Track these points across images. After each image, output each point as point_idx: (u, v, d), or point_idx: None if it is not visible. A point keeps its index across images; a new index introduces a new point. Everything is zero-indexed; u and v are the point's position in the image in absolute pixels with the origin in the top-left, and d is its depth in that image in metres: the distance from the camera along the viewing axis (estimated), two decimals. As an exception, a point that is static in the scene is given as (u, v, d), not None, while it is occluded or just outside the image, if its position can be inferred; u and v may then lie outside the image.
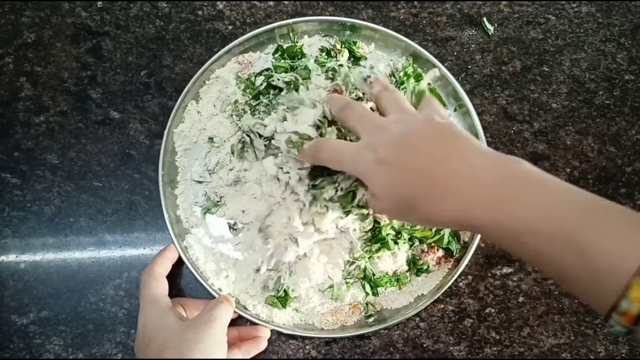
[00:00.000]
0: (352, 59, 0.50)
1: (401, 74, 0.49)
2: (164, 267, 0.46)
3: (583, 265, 0.27)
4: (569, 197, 0.29)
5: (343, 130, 0.42)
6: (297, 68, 0.48)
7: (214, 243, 0.48)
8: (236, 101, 0.49)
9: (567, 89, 0.52)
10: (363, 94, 0.44)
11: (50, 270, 0.50)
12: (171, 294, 0.45)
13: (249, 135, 0.46)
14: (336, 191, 0.41)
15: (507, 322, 0.50)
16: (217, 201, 0.48)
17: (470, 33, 0.52)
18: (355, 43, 0.50)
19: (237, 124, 0.48)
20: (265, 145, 0.46)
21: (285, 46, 0.50)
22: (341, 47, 0.49)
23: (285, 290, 0.47)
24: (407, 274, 0.48)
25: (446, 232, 0.47)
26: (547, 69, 0.53)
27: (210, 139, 0.49)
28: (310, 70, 0.47)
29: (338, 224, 0.44)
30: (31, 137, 0.51)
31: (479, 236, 0.48)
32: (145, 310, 0.43)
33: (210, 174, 0.48)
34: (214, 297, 0.46)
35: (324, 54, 0.50)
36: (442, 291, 0.47)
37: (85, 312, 0.49)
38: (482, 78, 0.52)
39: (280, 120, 0.44)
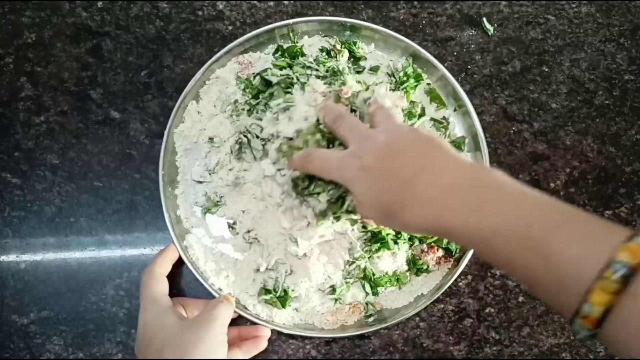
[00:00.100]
0: (352, 59, 0.50)
1: (401, 74, 0.49)
2: (165, 267, 0.46)
3: (548, 270, 0.28)
4: (536, 204, 0.30)
5: (328, 135, 0.43)
6: (294, 66, 0.48)
7: (214, 243, 0.48)
8: (236, 101, 0.49)
9: (567, 89, 0.53)
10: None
11: (51, 270, 0.50)
12: (171, 294, 0.45)
13: (246, 136, 0.46)
14: (329, 199, 0.42)
15: (506, 321, 0.50)
16: (217, 201, 0.48)
17: (470, 33, 0.53)
18: (355, 43, 0.50)
19: (236, 124, 0.48)
20: (262, 145, 0.46)
21: (285, 46, 0.50)
22: (341, 47, 0.49)
23: (285, 290, 0.47)
24: (407, 273, 0.48)
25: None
26: (546, 69, 0.53)
27: (210, 139, 0.49)
28: (308, 68, 0.47)
29: (335, 228, 0.45)
30: (31, 137, 0.51)
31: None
32: (146, 310, 0.43)
33: (210, 174, 0.48)
34: (214, 297, 0.46)
35: (324, 54, 0.50)
36: (442, 291, 0.47)
37: (86, 311, 0.49)
38: (482, 78, 0.52)
39: (274, 121, 0.45)
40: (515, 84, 0.52)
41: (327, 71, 0.47)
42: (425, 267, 0.48)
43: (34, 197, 0.50)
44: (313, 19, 0.50)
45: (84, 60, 0.51)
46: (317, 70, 0.47)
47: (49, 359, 0.49)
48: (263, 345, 0.48)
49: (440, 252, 0.48)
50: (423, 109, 0.50)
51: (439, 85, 0.50)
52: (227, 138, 0.48)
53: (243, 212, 0.47)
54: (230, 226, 0.48)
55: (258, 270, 0.47)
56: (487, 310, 0.50)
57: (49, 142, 0.51)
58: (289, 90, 0.46)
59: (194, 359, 0.38)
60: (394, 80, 0.50)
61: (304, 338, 0.49)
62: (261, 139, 0.46)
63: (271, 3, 0.52)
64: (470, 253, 0.47)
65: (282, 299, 0.47)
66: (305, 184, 0.43)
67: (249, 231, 0.47)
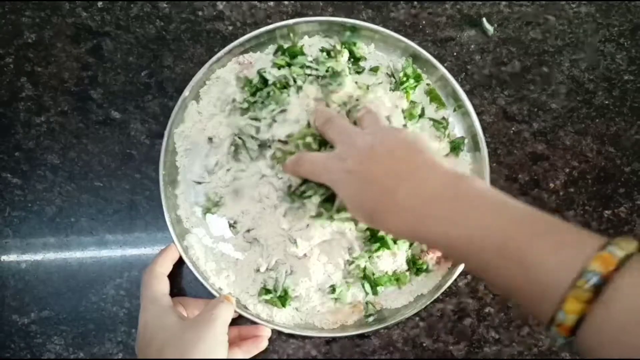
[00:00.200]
0: (352, 59, 0.50)
1: (401, 74, 0.49)
2: (165, 266, 0.46)
3: (524, 278, 0.28)
4: (515, 215, 0.30)
5: (319, 139, 0.44)
6: (293, 66, 0.48)
7: (214, 243, 0.48)
8: (234, 99, 0.49)
9: (567, 90, 0.53)
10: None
11: (51, 270, 0.50)
12: (172, 294, 0.45)
13: (240, 137, 0.47)
14: (321, 200, 0.43)
15: (506, 321, 0.50)
16: (217, 201, 0.48)
17: (470, 33, 0.53)
18: (355, 43, 0.50)
19: (232, 125, 0.48)
20: (259, 145, 0.46)
21: (285, 46, 0.50)
22: (341, 47, 0.49)
23: (285, 290, 0.47)
24: (407, 273, 0.48)
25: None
26: (546, 70, 0.53)
27: (210, 139, 0.49)
28: (307, 68, 0.47)
29: (332, 228, 0.45)
30: (32, 137, 0.51)
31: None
32: (146, 310, 0.43)
33: (209, 175, 0.48)
34: (214, 297, 0.46)
35: (324, 54, 0.50)
36: (442, 291, 0.47)
37: (86, 311, 0.49)
38: (482, 78, 0.52)
39: (269, 124, 0.45)
40: (515, 84, 0.52)
41: (327, 71, 0.47)
42: (425, 266, 0.48)
43: (35, 197, 0.50)
44: (313, 19, 0.50)
45: (84, 60, 0.52)
46: (316, 70, 0.47)
47: (49, 358, 0.49)
48: (263, 344, 0.48)
49: (440, 252, 0.48)
50: (423, 109, 0.50)
51: (439, 85, 0.50)
52: (226, 138, 0.48)
53: (242, 212, 0.47)
54: (231, 225, 0.48)
55: (258, 270, 0.47)
56: (486, 310, 0.50)
57: (49, 142, 0.51)
58: (285, 90, 0.46)
59: (194, 359, 0.39)
60: (393, 80, 0.50)
61: (304, 338, 0.49)
62: (256, 139, 0.46)
63: (271, 3, 0.52)
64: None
65: (282, 299, 0.47)
66: (298, 185, 0.44)
67: (248, 230, 0.48)
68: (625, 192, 0.52)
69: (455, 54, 0.52)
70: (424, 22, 0.52)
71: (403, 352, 0.50)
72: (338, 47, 0.49)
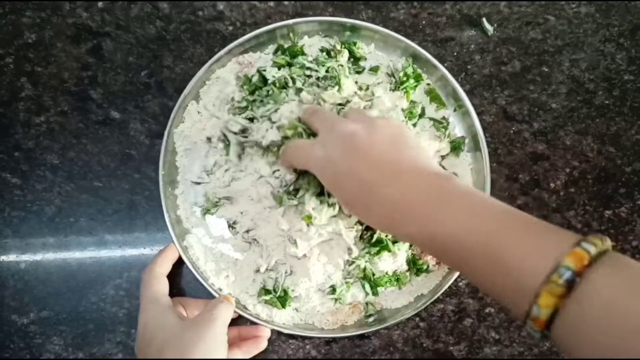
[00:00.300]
0: (352, 59, 0.50)
1: (401, 74, 0.49)
2: (165, 266, 0.46)
3: (500, 274, 0.29)
4: (489, 212, 0.31)
5: (309, 131, 0.44)
6: (293, 66, 0.48)
7: (214, 243, 0.48)
8: (233, 98, 0.49)
9: (567, 89, 0.53)
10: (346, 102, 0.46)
11: (51, 270, 0.50)
12: (171, 294, 0.45)
13: (225, 135, 0.47)
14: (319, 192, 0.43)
15: (506, 321, 0.50)
16: (216, 202, 0.48)
17: (470, 33, 0.53)
18: (355, 43, 0.50)
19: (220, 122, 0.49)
20: (256, 144, 0.46)
21: (285, 46, 0.50)
22: (341, 47, 0.49)
23: (285, 290, 0.47)
24: (407, 273, 0.48)
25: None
26: (546, 69, 0.53)
27: (208, 139, 0.49)
28: (307, 69, 0.47)
29: (329, 229, 0.45)
30: (31, 137, 0.51)
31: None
32: (146, 310, 0.43)
33: (208, 175, 0.48)
34: (214, 297, 0.46)
35: (324, 54, 0.50)
36: (442, 291, 0.47)
37: (86, 312, 0.49)
38: (482, 78, 0.52)
39: (262, 123, 0.45)
40: (515, 84, 0.52)
41: (327, 71, 0.47)
42: (425, 267, 0.48)
43: (34, 197, 0.50)
44: (313, 19, 0.50)
45: (84, 61, 0.52)
46: (316, 71, 0.47)
47: (49, 359, 0.49)
48: (263, 345, 0.48)
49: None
50: (423, 109, 0.50)
51: (439, 85, 0.50)
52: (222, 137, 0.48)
53: (241, 213, 0.47)
54: (231, 225, 0.48)
55: (258, 270, 0.47)
56: (487, 310, 0.50)
57: (49, 142, 0.51)
58: (284, 90, 0.46)
59: (194, 359, 0.38)
60: (394, 80, 0.50)
61: (304, 338, 0.49)
62: (243, 136, 0.46)
63: (271, 3, 0.52)
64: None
65: (282, 299, 0.47)
66: (294, 181, 0.44)
67: (248, 231, 0.47)
68: (626, 192, 0.52)
69: (455, 53, 0.52)
70: (424, 22, 0.52)
71: (403, 352, 0.50)
72: (338, 47, 0.49)
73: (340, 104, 0.46)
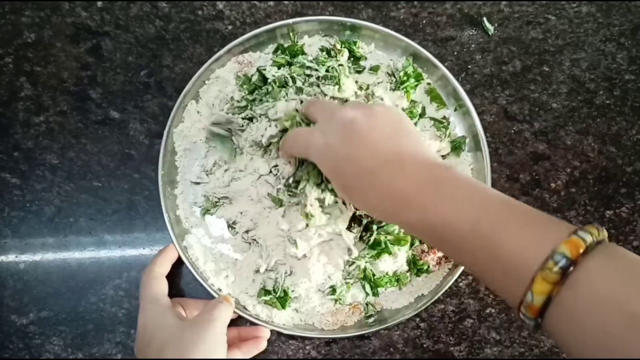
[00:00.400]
0: (352, 58, 0.50)
1: (401, 73, 0.49)
2: (164, 267, 0.46)
3: (496, 261, 0.29)
4: (488, 201, 0.31)
5: (306, 121, 0.44)
6: (293, 65, 0.48)
7: (213, 243, 0.48)
8: (232, 98, 0.49)
9: (567, 89, 0.52)
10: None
11: (50, 270, 0.50)
12: (171, 294, 0.45)
13: (211, 129, 0.47)
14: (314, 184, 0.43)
15: (507, 322, 0.50)
16: (216, 202, 0.48)
17: (471, 33, 0.52)
18: (355, 43, 0.50)
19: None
20: (254, 144, 0.46)
21: (285, 45, 0.50)
22: (341, 47, 0.49)
23: (284, 291, 0.47)
24: (407, 274, 0.48)
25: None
26: (547, 69, 0.53)
27: (208, 139, 0.49)
28: (307, 68, 0.47)
29: (329, 230, 0.45)
30: (31, 137, 0.51)
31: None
32: (145, 310, 0.43)
33: (207, 175, 0.48)
34: (213, 297, 0.46)
35: (324, 53, 0.50)
36: (443, 291, 0.47)
37: (85, 312, 0.49)
38: (482, 78, 0.52)
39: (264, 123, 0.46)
40: (516, 83, 0.52)
41: (327, 71, 0.47)
42: (425, 267, 0.48)
43: (34, 197, 0.50)
44: (313, 19, 0.50)
45: (83, 60, 0.51)
46: (316, 70, 0.47)
47: (48, 359, 0.49)
48: (263, 345, 0.48)
49: (441, 253, 0.48)
50: (423, 108, 0.50)
51: (440, 85, 0.50)
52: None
53: (241, 213, 0.47)
54: (230, 225, 0.48)
55: (258, 270, 0.47)
56: (487, 311, 0.50)
57: (48, 142, 0.51)
58: (284, 89, 0.46)
59: (193, 359, 0.38)
60: (394, 80, 0.50)
61: (303, 339, 0.49)
62: (233, 130, 0.47)
63: (271, 3, 0.52)
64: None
65: (282, 300, 0.47)
66: (293, 172, 0.44)
67: (247, 231, 0.47)
68: (627, 192, 0.52)
69: (455, 53, 0.52)
70: (424, 21, 0.52)
71: (403, 353, 0.49)
72: (338, 46, 0.49)
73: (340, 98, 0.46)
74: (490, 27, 0.52)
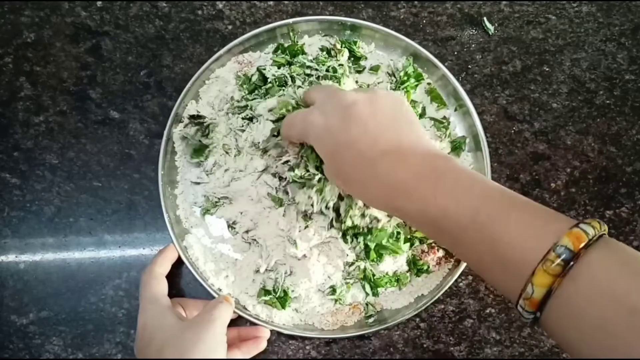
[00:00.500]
0: (352, 58, 0.50)
1: (401, 73, 0.49)
2: (164, 267, 0.46)
3: (494, 253, 0.29)
4: (488, 193, 0.31)
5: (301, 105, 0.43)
6: (293, 65, 0.48)
7: (213, 243, 0.48)
8: (232, 97, 0.49)
9: (568, 89, 0.52)
10: None
11: (50, 271, 0.50)
12: (171, 294, 0.45)
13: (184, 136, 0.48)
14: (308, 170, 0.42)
15: (507, 322, 0.50)
16: (216, 202, 0.48)
17: (471, 33, 0.52)
18: (355, 43, 0.50)
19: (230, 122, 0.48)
20: (253, 144, 0.46)
21: (285, 45, 0.50)
22: (341, 46, 0.49)
23: (284, 291, 0.47)
24: (407, 274, 0.48)
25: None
26: (547, 69, 0.52)
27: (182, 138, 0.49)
28: (307, 67, 0.47)
29: (326, 234, 0.45)
30: (31, 137, 0.51)
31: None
32: (145, 310, 0.43)
33: (207, 175, 0.48)
34: (213, 297, 0.46)
35: (324, 53, 0.50)
36: (443, 291, 0.47)
37: (85, 312, 0.49)
38: (483, 78, 0.52)
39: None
40: (516, 83, 0.52)
41: (327, 70, 0.47)
42: (425, 267, 0.48)
43: (33, 197, 0.50)
44: (313, 19, 0.50)
45: (83, 60, 0.51)
46: (316, 70, 0.47)
47: (48, 359, 0.49)
48: (263, 345, 0.48)
49: (441, 253, 0.48)
50: (424, 108, 0.50)
51: (440, 84, 0.50)
52: (222, 137, 0.48)
53: (241, 213, 0.47)
54: (230, 225, 0.48)
55: (258, 270, 0.47)
56: (487, 311, 0.50)
57: (48, 142, 0.51)
58: (284, 89, 0.46)
59: (193, 359, 0.38)
60: (394, 79, 0.50)
61: (303, 339, 0.49)
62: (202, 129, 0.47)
63: (271, 2, 0.52)
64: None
65: (282, 300, 0.47)
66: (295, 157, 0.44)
67: (247, 231, 0.47)
68: (627, 192, 0.52)
69: (456, 53, 0.52)
70: (424, 21, 0.52)
71: (403, 353, 0.49)
72: (338, 46, 0.49)
73: None
74: (490, 27, 0.52)
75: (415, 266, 0.48)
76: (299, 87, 0.46)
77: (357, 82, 0.49)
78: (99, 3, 0.52)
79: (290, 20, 0.49)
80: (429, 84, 0.50)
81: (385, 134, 0.34)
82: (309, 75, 0.47)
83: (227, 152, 0.47)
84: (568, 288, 0.26)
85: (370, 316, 0.48)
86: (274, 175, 0.46)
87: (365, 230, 0.44)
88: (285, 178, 0.45)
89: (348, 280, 0.47)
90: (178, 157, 0.49)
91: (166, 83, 0.51)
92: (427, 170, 0.33)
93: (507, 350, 0.50)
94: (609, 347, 0.24)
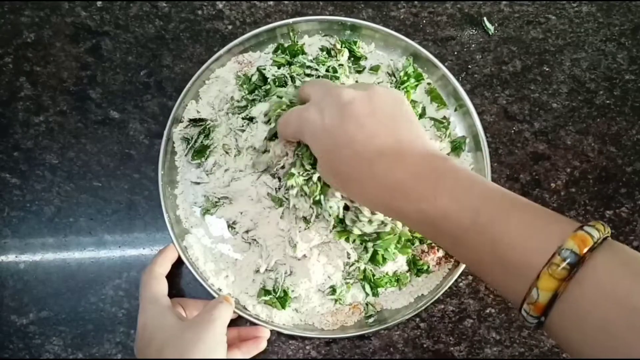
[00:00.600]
0: (352, 58, 0.50)
1: (401, 73, 0.49)
2: (164, 267, 0.46)
3: (496, 256, 0.28)
4: (488, 194, 0.30)
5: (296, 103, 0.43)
6: (293, 65, 0.48)
7: (213, 243, 0.48)
8: (232, 97, 0.49)
9: (568, 89, 0.52)
10: None
11: (50, 271, 0.50)
12: (171, 294, 0.45)
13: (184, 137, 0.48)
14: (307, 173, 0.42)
15: (507, 322, 0.50)
16: (216, 202, 0.48)
17: (471, 33, 0.52)
18: (355, 43, 0.50)
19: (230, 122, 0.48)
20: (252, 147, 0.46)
21: (285, 45, 0.50)
22: (341, 46, 0.49)
23: (284, 291, 0.47)
24: (407, 274, 0.48)
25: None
26: (547, 69, 0.52)
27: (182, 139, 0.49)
28: (307, 67, 0.47)
29: (326, 237, 0.45)
30: (31, 137, 0.51)
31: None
32: (145, 310, 0.43)
33: (207, 175, 0.48)
34: (213, 297, 0.46)
35: (324, 53, 0.50)
36: (442, 291, 0.47)
37: (85, 312, 0.49)
38: (483, 78, 0.52)
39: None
40: (516, 83, 0.52)
41: (327, 70, 0.47)
42: (425, 267, 0.48)
43: (33, 197, 0.50)
44: (313, 19, 0.50)
45: (83, 60, 0.51)
46: (316, 70, 0.47)
47: (48, 359, 0.49)
48: (263, 345, 0.48)
49: (441, 253, 0.48)
50: (424, 108, 0.50)
51: (440, 84, 0.50)
52: (222, 137, 0.48)
53: (241, 213, 0.47)
54: (230, 225, 0.48)
55: (258, 270, 0.47)
56: (487, 311, 0.50)
57: (48, 142, 0.51)
58: (282, 88, 0.46)
59: (193, 359, 0.38)
60: (394, 79, 0.50)
61: (303, 339, 0.49)
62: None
63: (271, 2, 0.52)
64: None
65: (282, 300, 0.47)
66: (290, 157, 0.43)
67: (247, 231, 0.47)
68: (627, 192, 0.52)
69: (456, 53, 0.52)
70: (424, 21, 0.52)
71: (403, 353, 0.49)
72: (338, 46, 0.49)
73: None
74: (490, 27, 0.52)
75: (415, 266, 0.48)
76: (298, 87, 0.46)
77: (357, 82, 0.48)
78: (99, 3, 0.52)
79: (290, 20, 0.49)
80: (429, 84, 0.50)
81: (384, 133, 0.33)
82: (309, 75, 0.47)
83: (227, 152, 0.47)
84: (574, 292, 0.25)
85: (370, 316, 0.48)
86: (273, 175, 0.46)
87: (375, 235, 0.43)
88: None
89: (348, 280, 0.47)
90: (178, 157, 0.49)
91: (166, 83, 0.51)
92: (426, 170, 0.32)
93: (507, 350, 0.50)
94: (610, 349, 0.24)
